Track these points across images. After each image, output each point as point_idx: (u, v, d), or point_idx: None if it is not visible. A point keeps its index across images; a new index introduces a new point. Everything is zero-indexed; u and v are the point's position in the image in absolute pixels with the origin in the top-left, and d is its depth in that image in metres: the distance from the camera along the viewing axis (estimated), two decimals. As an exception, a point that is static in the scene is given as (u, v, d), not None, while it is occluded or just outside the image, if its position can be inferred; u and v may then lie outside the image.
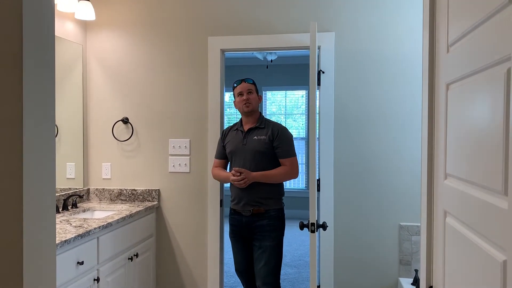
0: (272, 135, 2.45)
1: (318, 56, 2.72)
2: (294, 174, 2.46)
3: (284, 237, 2.52)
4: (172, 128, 2.92)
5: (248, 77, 2.57)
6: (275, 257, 2.42)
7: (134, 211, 2.59)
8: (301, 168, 6.58)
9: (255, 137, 2.46)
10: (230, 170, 2.55)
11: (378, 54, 2.67)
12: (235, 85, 2.54)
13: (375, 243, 2.69)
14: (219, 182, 2.83)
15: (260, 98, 2.58)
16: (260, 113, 2.59)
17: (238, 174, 2.38)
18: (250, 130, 2.50)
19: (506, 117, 0.79)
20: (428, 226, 1.32)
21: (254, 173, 2.39)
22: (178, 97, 2.90)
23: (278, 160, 2.45)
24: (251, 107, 2.50)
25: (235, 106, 2.61)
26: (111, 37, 2.97)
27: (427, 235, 1.32)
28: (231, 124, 2.70)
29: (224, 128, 2.71)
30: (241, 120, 2.60)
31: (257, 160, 2.42)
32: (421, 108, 1.39)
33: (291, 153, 2.45)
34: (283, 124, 7.14)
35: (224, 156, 2.59)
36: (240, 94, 2.50)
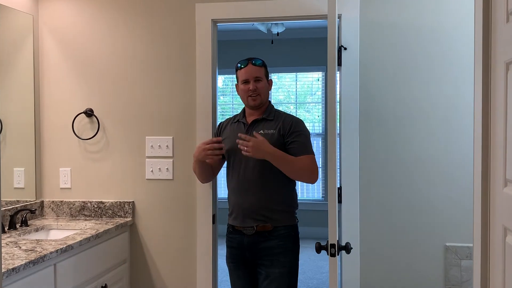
0: (283, 129, 2.43)
1: (339, 27, 2.71)
2: (315, 174, 2.42)
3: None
4: (150, 123, 2.92)
5: (256, 57, 2.52)
6: None
7: (101, 230, 2.59)
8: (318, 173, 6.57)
9: (261, 131, 2.44)
10: (228, 174, 2.54)
11: (417, 26, 2.66)
12: (239, 66, 2.50)
13: (414, 269, 2.69)
14: (210, 192, 2.83)
15: (270, 84, 2.56)
16: (269, 102, 2.57)
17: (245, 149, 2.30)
18: (254, 122, 2.48)
19: None
20: (483, 248, 1.32)
21: (273, 147, 2.32)
22: (157, 83, 2.90)
23: None
24: (259, 100, 2.47)
25: (237, 93, 2.60)
26: (71, 4, 2.97)
27: (482, 258, 1.32)
28: (230, 116, 2.67)
29: (221, 121, 2.69)
30: (243, 110, 2.59)
31: (263, 161, 2.37)
32: (473, 96, 1.39)
33: (309, 150, 2.42)
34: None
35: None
36: (246, 81, 2.47)
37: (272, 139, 2.39)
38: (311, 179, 2.42)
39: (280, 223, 2.41)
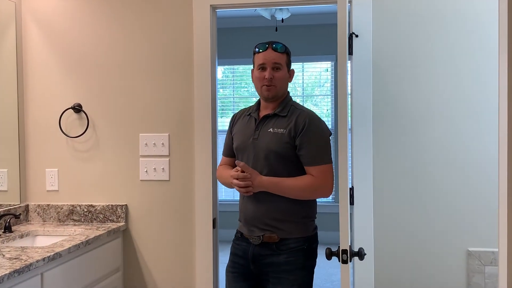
0: (294, 129, 2.28)
1: (349, 13, 2.71)
2: (323, 190, 2.30)
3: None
4: (144, 119, 2.92)
5: (278, 41, 2.37)
6: None
7: (92, 236, 2.60)
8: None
9: (271, 130, 2.31)
10: None
11: (436, 11, 2.65)
12: (258, 49, 2.37)
13: (433, 277, 2.69)
14: (210, 194, 2.83)
15: (291, 75, 2.42)
16: (287, 94, 2.43)
17: (242, 172, 2.26)
18: (265, 118, 2.36)
19: None
20: (509, 253, 1.32)
21: (265, 178, 2.27)
22: (151, 75, 2.90)
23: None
24: (274, 92, 2.33)
25: (252, 81, 2.48)
26: (56, -10, 2.98)
27: (508, 264, 1.32)
28: (246, 107, 2.57)
29: (235, 112, 2.60)
30: (258, 101, 2.46)
31: (270, 165, 2.29)
32: (498, 89, 1.38)
33: (322, 159, 2.28)
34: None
35: (234, 153, 2.49)
36: (262, 67, 2.33)
37: (281, 140, 2.29)
38: (321, 196, 2.32)
39: (290, 235, 2.29)
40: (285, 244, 2.29)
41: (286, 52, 2.36)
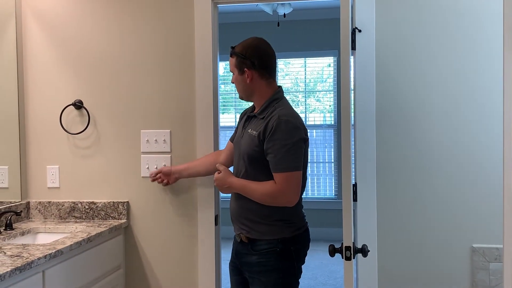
0: (263, 133, 2.23)
1: (352, 7, 2.71)
2: (284, 198, 2.22)
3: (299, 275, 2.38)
4: (145, 115, 2.92)
5: (237, 44, 2.40)
6: None
7: (93, 233, 2.61)
8: (330, 169, 6.60)
9: (249, 131, 2.33)
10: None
11: (441, 4, 2.65)
12: None
13: (437, 274, 2.70)
14: (213, 190, 2.84)
15: (249, 76, 2.31)
16: (273, 93, 2.34)
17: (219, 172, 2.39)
18: (249, 118, 2.42)
19: None
20: (514, 249, 1.32)
21: (235, 180, 2.34)
22: (153, 71, 2.90)
23: None
24: (240, 95, 2.44)
25: None
26: (56, -14, 2.98)
27: (513, 262, 1.32)
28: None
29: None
30: None
31: (246, 166, 2.33)
32: (503, 86, 1.38)
33: (284, 166, 2.18)
34: (298, 107, 7.15)
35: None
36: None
37: (252, 143, 2.28)
38: (283, 204, 2.24)
39: (262, 236, 2.29)
40: (258, 245, 2.30)
41: (235, 54, 2.34)
